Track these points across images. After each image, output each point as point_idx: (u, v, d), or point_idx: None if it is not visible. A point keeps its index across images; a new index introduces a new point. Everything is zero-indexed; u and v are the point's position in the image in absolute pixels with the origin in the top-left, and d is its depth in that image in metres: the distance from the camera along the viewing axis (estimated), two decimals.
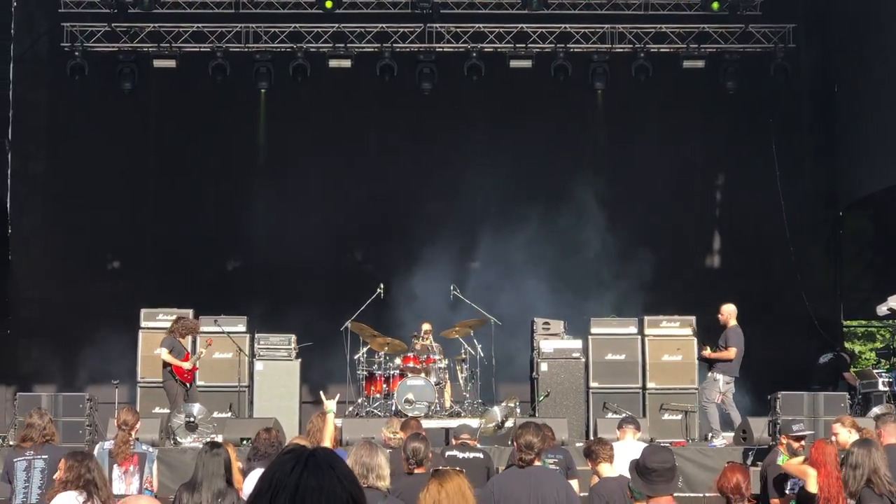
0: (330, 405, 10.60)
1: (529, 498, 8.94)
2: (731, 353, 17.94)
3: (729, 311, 18.22)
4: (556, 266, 22.89)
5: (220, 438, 15.43)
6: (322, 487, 2.96)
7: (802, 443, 12.23)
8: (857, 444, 10.28)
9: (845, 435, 11.95)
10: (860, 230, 23.39)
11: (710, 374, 18.13)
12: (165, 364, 17.77)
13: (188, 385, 17.82)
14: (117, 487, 11.45)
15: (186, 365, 17.69)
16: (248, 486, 9.92)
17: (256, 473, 6.78)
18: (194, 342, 18.52)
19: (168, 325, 18.41)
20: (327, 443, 10.33)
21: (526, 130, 23.34)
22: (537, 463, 9.31)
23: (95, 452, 11.90)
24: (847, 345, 23.99)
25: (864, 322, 21.53)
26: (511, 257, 22.71)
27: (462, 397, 19.58)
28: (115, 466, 11.69)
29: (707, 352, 18.15)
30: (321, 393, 11.47)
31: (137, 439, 12.60)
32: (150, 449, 12.31)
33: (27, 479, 11.34)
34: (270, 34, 23.17)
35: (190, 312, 19.39)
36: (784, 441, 12.34)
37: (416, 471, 9.82)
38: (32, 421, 11.75)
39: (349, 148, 23.41)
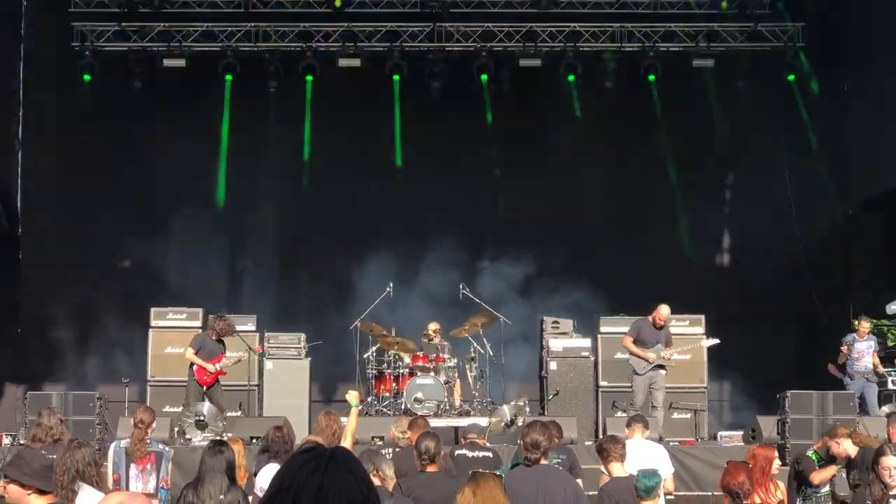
0: (353, 399, 10.65)
1: (537, 497, 8.95)
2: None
3: None
4: (565, 264, 22.91)
5: (229, 436, 15.48)
6: (342, 490, 2.97)
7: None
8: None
9: (844, 446, 11.85)
10: (871, 229, 23.32)
11: (664, 373, 18.03)
12: (191, 363, 17.82)
13: (205, 388, 17.77)
14: (134, 486, 11.47)
15: (210, 367, 17.66)
16: (260, 479, 9.95)
17: (270, 468, 6.80)
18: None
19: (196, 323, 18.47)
20: (349, 438, 10.37)
21: (535, 129, 23.36)
22: (544, 461, 9.30)
23: (111, 451, 11.95)
24: None
25: (874, 321, 21.46)
26: (520, 256, 22.71)
27: (471, 396, 19.58)
28: (132, 465, 11.72)
29: (667, 353, 17.96)
30: (349, 391, 11.54)
31: (154, 439, 12.69)
32: (166, 448, 12.35)
33: None
34: (280, 33, 23.21)
35: (200, 311, 19.44)
36: (828, 443, 12.18)
37: (428, 468, 9.87)
38: (41, 421, 11.78)
39: (359, 147, 23.40)
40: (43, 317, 22.98)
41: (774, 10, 22.99)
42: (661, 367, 17.90)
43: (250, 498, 9.32)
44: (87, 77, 22.79)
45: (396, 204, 23.41)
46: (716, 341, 18.96)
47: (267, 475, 6.97)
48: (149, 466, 11.71)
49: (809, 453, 12.29)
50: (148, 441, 11.85)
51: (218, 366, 17.78)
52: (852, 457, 11.69)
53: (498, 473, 7.97)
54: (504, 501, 7.58)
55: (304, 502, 2.94)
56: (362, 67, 23.26)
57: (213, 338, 17.96)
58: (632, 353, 17.98)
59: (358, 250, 22.98)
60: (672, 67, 23.28)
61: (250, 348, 19.15)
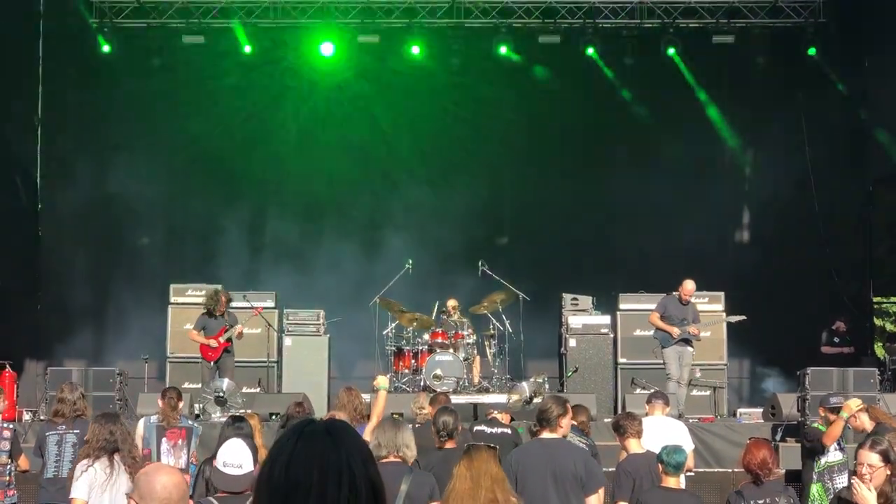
0: (384, 383, 10.63)
1: (546, 470, 8.87)
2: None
3: None
4: (584, 240, 22.87)
5: (247, 412, 15.52)
6: (314, 456, 2.89)
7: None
8: None
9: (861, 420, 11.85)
10: (891, 205, 23.21)
11: (691, 349, 17.90)
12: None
13: (211, 363, 17.79)
14: (165, 460, 11.53)
15: (213, 343, 17.70)
16: (220, 453, 9.46)
17: (230, 443, 6.78)
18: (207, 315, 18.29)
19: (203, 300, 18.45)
20: (374, 421, 10.34)
21: (554, 105, 23.26)
22: (552, 434, 9.16)
23: (141, 426, 12.01)
24: (877, 321, 23.87)
25: (894, 298, 21.39)
26: (539, 232, 22.69)
27: (491, 373, 19.58)
28: (163, 440, 11.76)
29: (694, 328, 17.75)
30: (378, 376, 11.54)
31: (183, 415, 12.75)
32: (195, 424, 12.40)
33: (59, 452, 11.45)
34: (299, 10, 23.15)
35: (219, 287, 19.46)
36: (822, 413, 12.27)
37: (446, 445, 9.84)
38: (63, 396, 11.84)
39: (378, 123, 23.39)
40: (62, 293, 23.04)
41: None
42: (689, 343, 17.74)
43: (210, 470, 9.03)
44: (107, 49, 22.79)
45: (415, 180, 23.37)
46: (742, 317, 18.80)
47: (225, 449, 6.95)
48: (180, 442, 11.77)
49: (814, 426, 12.31)
50: (178, 416, 11.90)
51: (222, 338, 17.75)
52: (868, 431, 11.65)
53: (492, 445, 7.89)
54: (498, 472, 7.56)
55: (277, 472, 2.89)
56: (381, 43, 23.21)
57: (219, 314, 17.88)
58: (657, 328, 17.83)
59: (376, 226, 22.97)
60: (692, 43, 23.15)
61: (269, 324, 19.19)
